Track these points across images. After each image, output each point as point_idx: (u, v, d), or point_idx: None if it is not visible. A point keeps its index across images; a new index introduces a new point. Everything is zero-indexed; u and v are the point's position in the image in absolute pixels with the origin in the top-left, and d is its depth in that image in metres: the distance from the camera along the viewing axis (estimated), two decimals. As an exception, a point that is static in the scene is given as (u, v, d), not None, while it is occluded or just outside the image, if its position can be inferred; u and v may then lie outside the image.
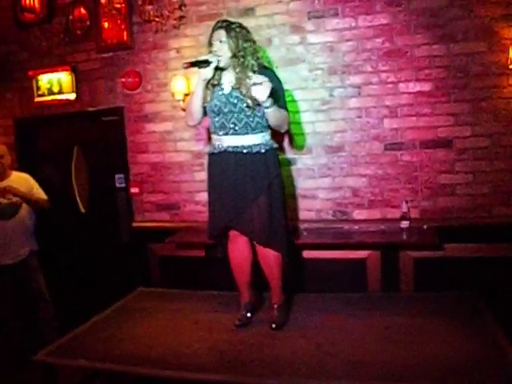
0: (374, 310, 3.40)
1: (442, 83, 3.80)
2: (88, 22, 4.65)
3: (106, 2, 4.55)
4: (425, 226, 3.84)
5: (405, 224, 3.82)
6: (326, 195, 4.10)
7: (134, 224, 4.67)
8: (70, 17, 4.68)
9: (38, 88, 4.86)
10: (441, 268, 3.81)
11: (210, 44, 3.11)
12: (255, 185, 3.07)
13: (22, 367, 3.79)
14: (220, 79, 3.14)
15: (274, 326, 3.17)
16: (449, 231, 3.78)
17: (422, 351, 2.73)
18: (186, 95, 4.20)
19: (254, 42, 3.18)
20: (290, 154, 4.15)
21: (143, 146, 4.58)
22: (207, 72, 3.03)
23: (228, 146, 3.10)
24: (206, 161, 3.30)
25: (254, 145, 3.09)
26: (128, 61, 4.56)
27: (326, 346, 2.89)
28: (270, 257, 3.18)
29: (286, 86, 3.71)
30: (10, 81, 4.98)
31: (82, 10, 4.65)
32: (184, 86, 4.20)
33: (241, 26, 3.15)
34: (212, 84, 3.14)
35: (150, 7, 4.36)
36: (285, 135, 4.03)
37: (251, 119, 3.07)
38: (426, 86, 3.83)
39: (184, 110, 4.17)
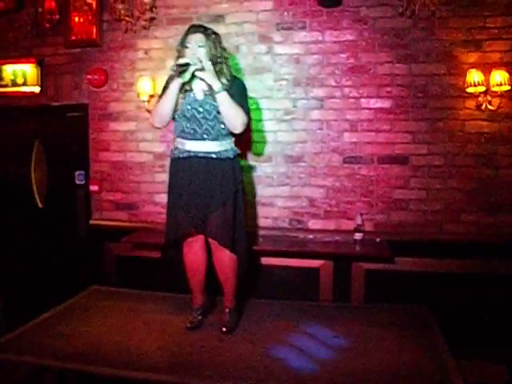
0: (324, 319, 3.47)
1: (401, 101, 3.92)
2: (57, 16, 4.58)
3: (78, -4, 4.52)
4: (377, 239, 3.93)
5: (358, 236, 3.90)
6: (283, 203, 4.15)
7: (92, 222, 4.63)
8: (40, 9, 4.60)
9: (2, 78, 4.78)
10: (391, 280, 3.89)
11: (184, 47, 3.10)
12: (223, 190, 3.10)
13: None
14: (191, 84, 3.14)
15: (224, 329, 3.21)
16: (400, 245, 3.88)
17: (368, 360, 2.82)
18: (152, 96, 4.21)
19: (227, 51, 3.24)
20: (250, 161, 4.20)
21: (105, 144, 4.56)
22: (185, 75, 3.02)
23: (197, 151, 3.10)
24: (168, 164, 3.30)
25: (224, 150, 3.13)
26: (95, 58, 4.54)
27: (274, 351, 2.94)
28: (225, 261, 3.21)
29: (251, 94, 3.80)
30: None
31: (52, 3, 4.58)
32: (150, 87, 4.21)
33: (216, 33, 3.19)
34: (184, 88, 3.13)
35: (121, 6, 4.34)
36: (247, 142, 4.09)
37: (223, 126, 3.09)
38: (387, 103, 3.94)
39: (149, 111, 4.20)
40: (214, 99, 3.05)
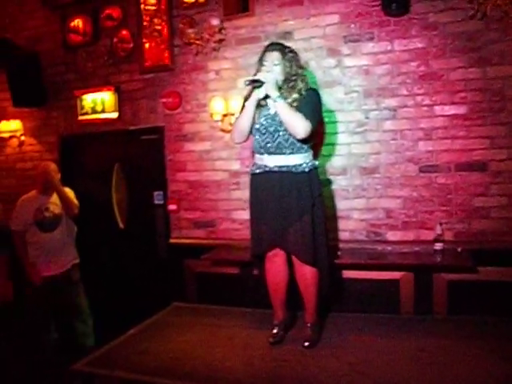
0: (407, 331, 3.41)
1: (477, 106, 3.82)
2: (131, 44, 4.83)
3: (148, 25, 4.71)
4: (459, 249, 3.82)
5: (438, 246, 3.81)
6: (359, 216, 4.13)
7: (171, 240, 4.78)
8: (115, 39, 4.88)
9: (82, 107, 5.07)
10: (475, 291, 3.78)
11: (261, 64, 3.17)
12: (300, 204, 3.11)
13: (58, 378, 3.88)
14: (266, 99, 3.17)
15: (306, 344, 3.20)
16: (483, 254, 3.75)
17: (454, 374, 2.73)
18: (225, 116, 4.32)
19: (304, 68, 3.28)
20: (325, 174, 4.19)
21: (182, 164, 4.71)
22: (260, 91, 3.08)
23: (273, 166, 3.15)
24: (248, 180, 3.35)
25: (299, 164, 3.14)
26: (169, 82, 4.71)
27: (358, 365, 2.92)
28: (308, 275, 3.21)
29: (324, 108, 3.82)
30: (56, 100, 5.22)
31: (126, 32, 4.84)
32: (222, 106, 4.31)
33: (293, 51, 3.24)
34: (259, 104, 3.18)
35: (191, 30, 4.51)
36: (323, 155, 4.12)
37: (296, 139, 3.11)
38: (462, 109, 3.85)
39: (223, 130, 4.30)
40: None
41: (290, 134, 3.08)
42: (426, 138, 3.94)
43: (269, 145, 3.15)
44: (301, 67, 3.24)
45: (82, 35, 5.00)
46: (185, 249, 4.66)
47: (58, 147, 5.27)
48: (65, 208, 4.23)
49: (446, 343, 3.17)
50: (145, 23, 4.73)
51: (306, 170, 3.15)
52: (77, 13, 5.03)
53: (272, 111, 3.16)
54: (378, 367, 2.89)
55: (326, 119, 4.11)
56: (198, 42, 4.50)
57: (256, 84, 3.05)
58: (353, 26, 4.08)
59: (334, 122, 4.16)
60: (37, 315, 4.27)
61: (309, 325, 3.31)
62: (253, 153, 3.32)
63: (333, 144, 4.18)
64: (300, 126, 3.03)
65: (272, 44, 3.26)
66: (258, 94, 3.09)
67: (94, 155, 5.29)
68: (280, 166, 3.14)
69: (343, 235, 4.18)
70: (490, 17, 3.73)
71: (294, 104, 3.08)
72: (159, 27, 4.68)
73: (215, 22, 4.38)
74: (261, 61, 3.20)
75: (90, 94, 5.00)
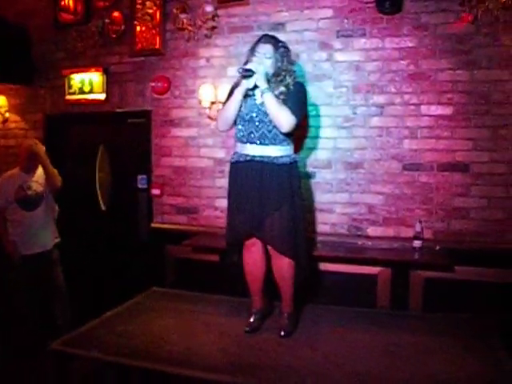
0: (382, 326, 3.45)
1: (463, 108, 3.87)
2: (123, 26, 4.80)
3: (140, 8, 4.68)
4: (437, 247, 3.89)
5: (417, 243, 3.87)
6: (342, 210, 4.16)
7: (153, 225, 4.78)
8: (106, 20, 4.84)
9: (70, 86, 5.03)
10: (450, 290, 3.84)
11: (253, 54, 3.18)
12: (279, 194, 3.12)
13: (34, 355, 3.88)
14: (254, 89, 3.18)
15: (282, 333, 3.23)
16: (460, 254, 3.81)
17: (426, 369, 2.78)
18: (213, 103, 4.32)
19: (294, 64, 3.31)
20: (309, 167, 4.23)
21: (167, 149, 4.70)
22: (250, 81, 3.09)
23: (255, 156, 3.16)
24: (228, 168, 3.37)
25: (281, 156, 3.15)
26: (159, 66, 4.70)
27: (332, 356, 2.95)
28: (284, 265, 3.22)
29: (311, 101, 3.88)
30: (43, 78, 5.18)
31: (118, 14, 4.80)
32: (211, 94, 4.31)
33: (286, 46, 3.25)
34: (246, 94, 3.18)
35: (183, 15, 4.49)
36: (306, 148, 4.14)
37: (280, 131, 3.12)
38: (447, 110, 3.90)
39: (210, 117, 4.30)
40: None
41: (274, 126, 3.10)
42: (411, 136, 3.98)
43: (252, 135, 3.16)
44: (291, 63, 3.25)
45: (73, 14, 4.95)
46: (166, 234, 4.67)
47: (43, 126, 5.24)
48: (48, 180, 4.21)
49: (419, 339, 3.21)
50: (137, 6, 4.69)
51: (288, 162, 3.17)
52: (68, -9, 4.97)
53: (258, 101, 3.16)
54: (351, 359, 2.92)
55: (313, 112, 4.14)
56: (190, 27, 4.49)
57: (247, 73, 3.06)
58: (346, 21, 4.10)
59: (321, 116, 4.19)
60: (18, 294, 4.26)
61: (285, 315, 3.33)
62: (235, 141, 3.33)
63: (319, 137, 4.20)
64: (285, 119, 3.05)
65: (266, 36, 3.26)
66: (248, 83, 3.10)
67: (80, 136, 5.26)
68: (262, 156, 3.15)
69: (325, 228, 4.21)
70: (480, 20, 3.77)
71: (281, 97, 3.10)
72: (151, 11, 4.64)
73: (209, 8, 4.37)
74: (253, 51, 3.20)
75: (79, 74, 4.96)
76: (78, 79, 4.97)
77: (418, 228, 3.88)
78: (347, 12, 4.09)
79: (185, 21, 4.49)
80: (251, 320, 3.37)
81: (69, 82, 5.01)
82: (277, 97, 3.08)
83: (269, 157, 3.14)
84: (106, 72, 4.87)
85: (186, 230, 4.57)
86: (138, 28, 4.71)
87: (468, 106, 3.86)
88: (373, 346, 3.11)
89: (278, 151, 3.16)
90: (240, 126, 3.22)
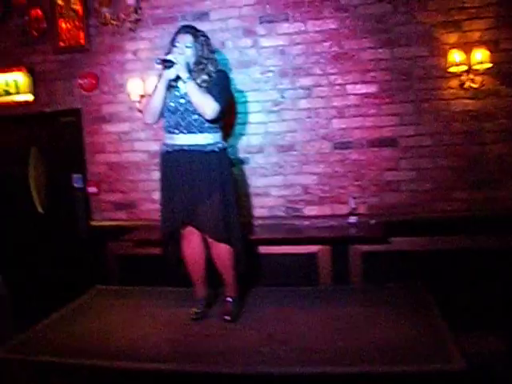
0: (325, 302, 3.56)
1: (386, 85, 4.00)
2: (45, 24, 4.66)
3: (63, 4, 4.59)
4: (372, 221, 4.02)
5: (353, 219, 3.99)
6: (278, 192, 4.24)
7: (93, 223, 4.72)
8: (26, 17, 4.69)
9: (-5, 89, 4.87)
10: (388, 261, 3.99)
11: (173, 45, 3.19)
12: (209, 182, 3.16)
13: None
14: (177, 80, 3.20)
15: (227, 318, 3.28)
16: (395, 226, 3.96)
17: (366, 337, 2.90)
18: (142, 96, 4.29)
19: (215, 52, 3.34)
20: (242, 153, 4.27)
21: (100, 146, 4.64)
22: (171, 72, 3.11)
23: (182, 145, 3.19)
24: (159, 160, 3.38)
25: (209, 144, 3.19)
26: (85, 63, 4.61)
27: (277, 335, 3.03)
28: (222, 252, 3.27)
29: (239, 88, 3.93)
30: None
31: (38, 11, 4.66)
32: (140, 87, 4.28)
33: (205, 35, 3.28)
34: (170, 85, 3.21)
35: (106, 10, 4.43)
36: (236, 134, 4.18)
37: (205, 119, 3.15)
38: (372, 88, 4.02)
39: (140, 111, 4.27)
40: None
41: (200, 114, 3.13)
42: (339, 115, 4.09)
43: (179, 124, 3.19)
44: (212, 51, 3.29)
45: (-10, 12, 4.78)
46: (107, 231, 4.62)
47: (-31, 131, 5.06)
48: None
49: (360, 310, 3.34)
50: (60, 2, 4.59)
51: (216, 149, 3.21)
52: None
53: (182, 91, 3.18)
54: (296, 336, 3.01)
55: (242, 99, 4.18)
56: (113, 22, 4.43)
57: (167, 64, 3.08)
58: (268, 6, 4.15)
59: (250, 102, 4.23)
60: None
61: (229, 299, 3.38)
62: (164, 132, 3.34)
63: (249, 123, 4.25)
64: (208, 106, 3.09)
65: (185, 26, 3.29)
66: (169, 74, 3.12)
67: (9, 139, 5.10)
68: (190, 145, 3.18)
69: (262, 212, 4.27)
70: (397, 0, 3.90)
71: (204, 85, 3.14)
72: (76, 6, 4.56)
73: (131, 1, 4.33)
74: (173, 42, 3.22)
75: (2, 75, 4.80)
76: (2, 80, 4.79)
77: (352, 204, 4.00)
78: (269, -3, 4.13)
79: (108, 15, 4.43)
80: (196, 308, 3.42)
81: (-7, 84, 4.85)
82: (199, 85, 3.12)
83: (197, 145, 3.17)
84: (31, 72, 4.73)
85: (126, 225, 4.53)
86: (64, 25, 4.61)
87: (391, 83, 4.00)
88: (315, 321, 3.22)
89: (206, 139, 3.19)
90: (167, 117, 3.24)
